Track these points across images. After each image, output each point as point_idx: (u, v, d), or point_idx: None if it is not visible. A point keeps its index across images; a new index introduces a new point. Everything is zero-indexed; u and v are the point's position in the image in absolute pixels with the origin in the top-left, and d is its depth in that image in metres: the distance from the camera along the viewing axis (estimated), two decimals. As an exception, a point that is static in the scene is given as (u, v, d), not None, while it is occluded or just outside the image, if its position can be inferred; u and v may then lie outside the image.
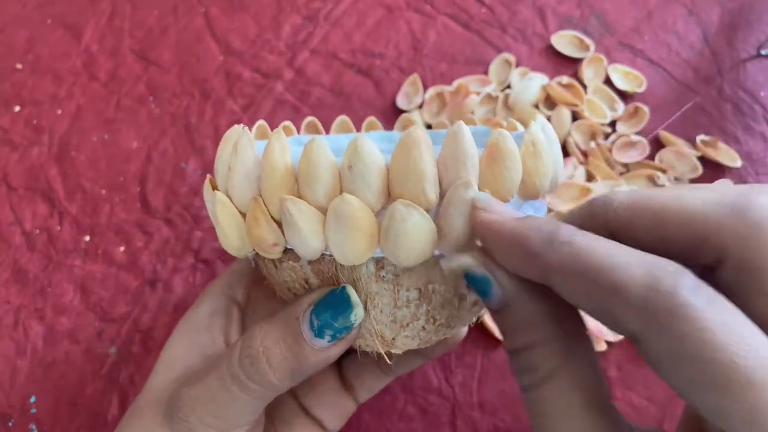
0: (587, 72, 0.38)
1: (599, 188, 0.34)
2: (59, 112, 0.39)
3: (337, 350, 0.20)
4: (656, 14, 0.41)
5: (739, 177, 0.35)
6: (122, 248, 0.34)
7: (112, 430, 0.23)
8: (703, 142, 0.35)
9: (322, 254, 0.19)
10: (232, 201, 0.19)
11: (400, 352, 0.21)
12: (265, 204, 0.18)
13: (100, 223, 0.35)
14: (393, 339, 0.20)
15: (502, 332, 0.18)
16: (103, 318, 0.32)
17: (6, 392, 0.31)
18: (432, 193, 0.17)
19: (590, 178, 0.35)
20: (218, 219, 0.19)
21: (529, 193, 0.19)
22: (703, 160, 0.35)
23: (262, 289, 0.26)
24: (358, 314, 0.19)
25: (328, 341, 0.19)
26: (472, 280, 0.18)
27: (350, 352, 0.28)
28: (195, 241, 0.34)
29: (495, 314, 0.18)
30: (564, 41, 0.40)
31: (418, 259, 0.18)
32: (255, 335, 0.20)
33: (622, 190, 0.18)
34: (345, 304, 0.19)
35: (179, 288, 0.33)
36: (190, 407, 0.21)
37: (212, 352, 0.24)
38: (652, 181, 0.34)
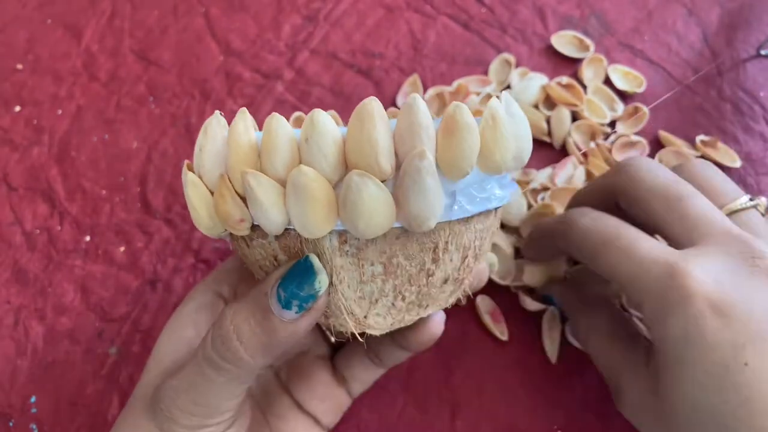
0: (587, 72, 0.38)
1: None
2: (59, 112, 0.39)
3: (306, 322, 0.20)
4: (656, 14, 0.41)
5: (738, 177, 0.35)
6: (122, 248, 0.34)
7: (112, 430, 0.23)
8: (702, 142, 0.35)
9: (287, 229, 0.19)
10: (203, 181, 0.20)
11: (375, 333, 0.21)
12: (230, 180, 0.19)
13: (101, 223, 0.35)
14: (365, 317, 0.20)
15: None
16: (104, 318, 0.32)
17: (6, 392, 0.31)
18: (386, 164, 0.17)
19: (590, 178, 0.35)
20: (190, 199, 0.20)
21: (489, 167, 0.19)
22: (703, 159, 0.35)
23: (248, 285, 0.26)
24: (321, 281, 0.19)
25: (296, 311, 0.19)
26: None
27: (341, 344, 0.28)
28: (195, 241, 0.34)
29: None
30: (564, 41, 0.40)
31: (378, 230, 0.18)
32: (226, 315, 0.20)
33: (589, 215, 0.24)
34: (309, 272, 0.19)
35: (179, 288, 0.33)
36: (171, 398, 0.21)
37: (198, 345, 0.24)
38: None
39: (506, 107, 0.19)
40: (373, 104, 0.17)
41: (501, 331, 0.31)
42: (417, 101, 0.17)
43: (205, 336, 0.21)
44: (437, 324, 0.25)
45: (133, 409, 0.23)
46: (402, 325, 0.21)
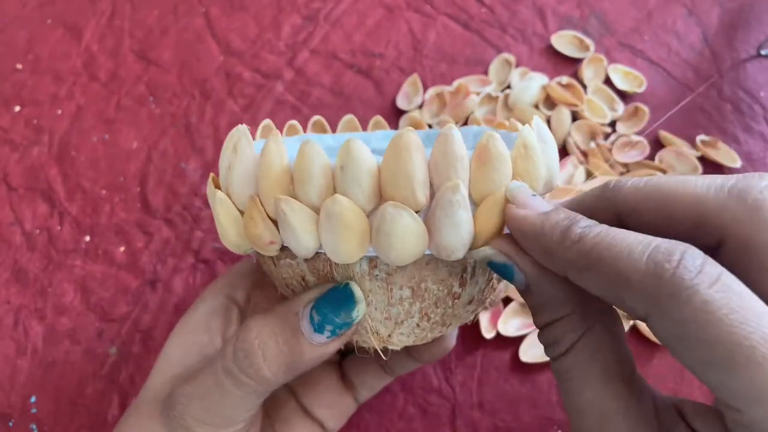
0: (587, 72, 0.38)
1: (586, 186, 0.34)
2: (59, 112, 0.39)
3: (335, 346, 0.20)
4: (656, 14, 0.41)
5: (738, 177, 0.35)
6: (122, 248, 0.34)
7: (112, 430, 0.23)
8: (703, 142, 0.35)
9: (317, 252, 0.19)
10: (231, 199, 0.20)
11: (397, 348, 0.21)
12: (261, 203, 0.19)
13: (101, 223, 0.35)
14: (389, 336, 0.21)
15: (530, 309, 0.19)
16: (104, 318, 0.32)
17: (6, 392, 0.31)
18: (421, 195, 0.18)
19: (590, 177, 0.35)
20: (218, 217, 0.20)
21: None
22: (703, 160, 0.35)
23: (263, 291, 0.26)
24: (360, 310, 0.19)
25: (328, 337, 0.19)
26: (494, 267, 0.19)
27: (351, 351, 0.28)
28: (195, 241, 0.34)
29: (522, 294, 0.19)
30: (564, 41, 0.40)
31: (409, 258, 0.18)
32: (251, 328, 0.20)
33: (632, 178, 0.19)
34: (348, 300, 0.19)
35: (179, 288, 0.33)
36: (184, 404, 0.21)
37: (210, 352, 0.24)
38: None
39: (537, 133, 0.19)
40: (410, 136, 0.17)
41: (502, 329, 0.31)
42: (453, 132, 0.17)
43: (224, 346, 0.21)
44: (450, 338, 0.25)
45: (139, 411, 0.23)
46: (423, 342, 0.21)
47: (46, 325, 0.32)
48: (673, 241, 0.15)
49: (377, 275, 0.19)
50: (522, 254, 0.18)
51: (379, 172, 0.18)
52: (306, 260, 0.20)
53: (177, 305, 0.33)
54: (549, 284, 0.18)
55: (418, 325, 0.20)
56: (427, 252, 0.18)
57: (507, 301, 0.32)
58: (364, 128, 0.36)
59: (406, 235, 0.18)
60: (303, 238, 0.18)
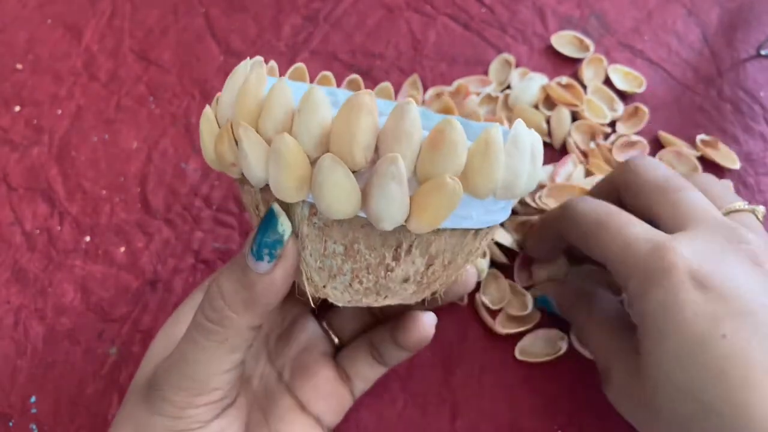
0: (587, 72, 0.38)
1: (586, 184, 0.34)
2: (59, 112, 0.39)
3: (279, 272, 0.20)
4: (656, 14, 0.41)
5: (738, 177, 0.35)
6: (122, 249, 0.34)
7: (112, 430, 0.23)
8: (703, 142, 0.35)
9: (267, 184, 0.20)
10: (216, 118, 0.21)
11: (338, 304, 0.22)
12: (232, 126, 0.20)
13: (101, 224, 0.35)
14: (324, 287, 0.21)
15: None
16: (104, 318, 0.32)
17: (6, 392, 0.31)
18: (360, 156, 0.18)
19: (589, 176, 0.35)
20: (201, 131, 0.21)
21: (470, 189, 0.19)
22: (702, 160, 0.35)
23: None
24: (283, 223, 0.20)
25: (268, 261, 0.20)
26: (542, 302, 0.30)
27: (344, 343, 0.28)
28: (195, 241, 0.34)
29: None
30: (564, 41, 0.40)
31: (340, 214, 0.19)
32: (214, 279, 0.21)
33: (586, 200, 0.25)
34: (272, 218, 0.20)
35: (179, 289, 0.33)
36: (164, 377, 0.22)
37: None
38: None
39: (513, 138, 0.19)
40: (364, 98, 0.18)
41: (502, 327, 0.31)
42: (409, 107, 0.18)
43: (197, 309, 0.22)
44: (427, 326, 0.26)
45: (128, 402, 0.23)
46: (361, 305, 0.22)
47: (46, 325, 0.32)
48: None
49: (315, 223, 0.20)
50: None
51: (332, 126, 0.19)
52: (260, 190, 0.21)
53: (177, 305, 0.33)
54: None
55: (350, 285, 0.21)
56: (363, 215, 0.19)
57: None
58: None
59: (337, 190, 0.18)
60: (254, 166, 0.19)
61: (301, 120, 0.18)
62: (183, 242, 0.34)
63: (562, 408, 0.29)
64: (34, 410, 0.30)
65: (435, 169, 0.18)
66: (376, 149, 0.19)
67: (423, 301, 0.23)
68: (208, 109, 0.21)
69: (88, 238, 0.35)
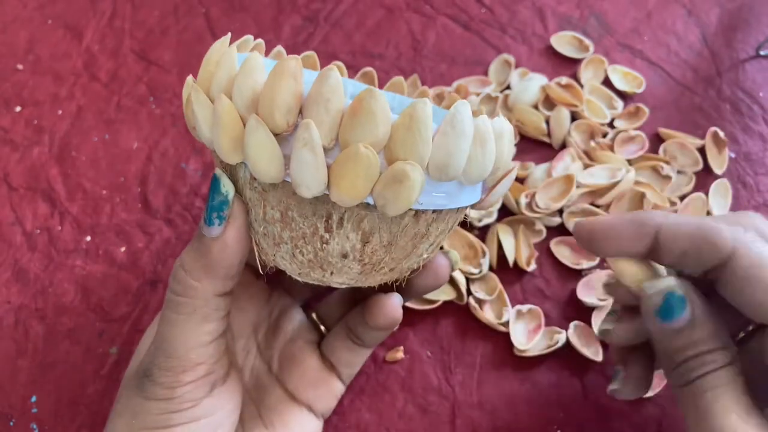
0: (586, 72, 0.39)
1: (584, 176, 0.34)
2: (60, 112, 0.39)
3: (230, 233, 0.21)
4: (655, 15, 0.41)
5: (738, 177, 0.35)
6: (123, 248, 0.34)
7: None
8: (714, 135, 0.35)
9: None
10: (197, 83, 0.22)
11: (292, 275, 0.22)
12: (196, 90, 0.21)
13: (101, 224, 0.35)
14: (273, 256, 0.22)
15: (676, 348, 0.21)
16: (104, 318, 0.32)
17: (7, 392, 0.31)
18: (281, 120, 0.18)
19: (588, 168, 0.35)
20: (183, 94, 0.22)
21: (392, 162, 0.19)
22: (702, 153, 0.35)
23: (240, 283, 0.26)
24: (225, 184, 0.21)
25: (218, 224, 0.21)
26: (671, 298, 0.21)
27: (325, 334, 0.29)
28: (195, 241, 0.34)
29: (672, 333, 0.21)
30: (563, 42, 0.40)
31: (267, 177, 0.19)
32: (178, 258, 0.22)
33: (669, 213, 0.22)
34: (215, 181, 0.21)
35: (180, 288, 0.33)
36: (150, 361, 0.22)
37: None
38: (657, 171, 0.34)
39: (452, 119, 0.19)
40: (289, 62, 0.18)
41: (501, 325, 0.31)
42: (330, 73, 0.18)
43: None
44: (391, 307, 0.26)
45: (122, 395, 0.24)
46: (311, 280, 0.22)
47: (46, 325, 0.32)
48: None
49: (255, 187, 0.21)
50: (694, 289, 0.21)
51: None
52: (213, 153, 0.21)
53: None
54: (712, 318, 0.21)
55: (293, 255, 0.21)
56: (288, 179, 0.19)
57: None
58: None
59: (261, 151, 0.18)
60: (202, 127, 0.20)
61: (237, 83, 0.19)
62: (183, 242, 0.34)
63: (561, 407, 0.29)
64: (34, 410, 0.30)
65: (353, 137, 0.18)
66: (301, 115, 0.19)
67: (391, 285, 0.23)
68: (189, 78, 0.22)
69: (88, 238, 0.35)
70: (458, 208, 0.22)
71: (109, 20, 0.42)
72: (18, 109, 0.39)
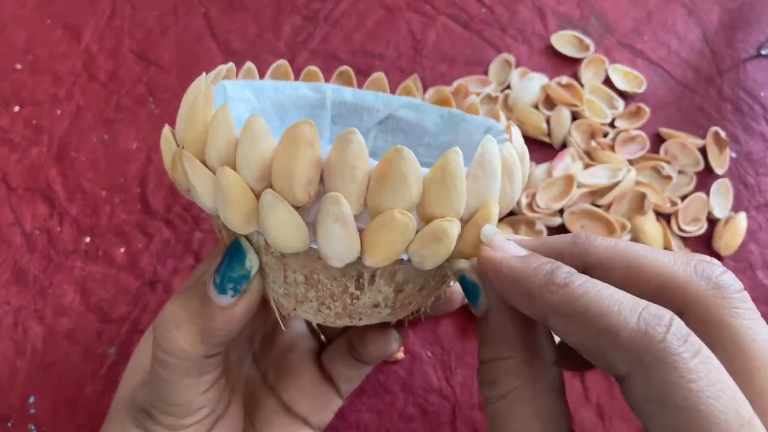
0: (587, 72, 0.38)
1: (585, 176, 0.34)
2: (59, 112, 0.39)
3: (242, 306, 0.20)
4: (656, 14, 0.41)
5: (739, 177, 0.35)
6: (122, 249, 0.34)
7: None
8: (715, 135, 0.35)
9: None
10: (175, 138, 0.21)
11: (314, 322, 0.21)
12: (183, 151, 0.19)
13: (101, 224, 0.35)
14: (294, 309, 0.21)
15: (480, 339, 0.19)
16: (103, 319, 0.32)
17: (5, 393, 0.31)
18: (301, 193, 0.17)
19: (589, 167, 0.35)
20: (162, 151, 0.21)
21: (429, 220, 0.18)
22: (703, 153, 0.35)
23: None
24: (251, 260, 0.19)
25: (232, 296, 0.19)
26: (464, 284, 0.19)
27: (327, 343, 0.28)
28: (195, 242, 0.34)
29: (478, 321, 0.19)
30: (564, 41, 0.40)
31: (289, 248, 0.18)
32: (165, 307, 0.20)
33: (600, 237, 0.19)
34: (239, 253, 0.19)
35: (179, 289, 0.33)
36: (148, 401, 0.21)
37: None
38: (658, 171, 0.34)
39: (480, 159, 0.18)
40: (303, 129, 0.17)
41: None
42: (352, 138, 0.16)
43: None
44: (389, 345, 0.25)
45: (111, 421, 0.23)
46: (337, 326, 0.21)
47: (45, 325, 0.32)
48: (661, 307, 0.15)
49: (273, 252, 0.19)
50: (496, 282, 0.18)
51: (272, 158, 0.18)
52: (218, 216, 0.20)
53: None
54: (506, 320, 0.18)
55: (319, 310, 0.20)
56: (314, 246, 0.18)
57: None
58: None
59: (282, 226, 0.17)
60: (202, 197, 0.18)
61: (242, 152, 0.17)
62: (183, 243, 0.34)
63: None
64: (33, 410, 0.30)
65: (385, 202, 0.17)
66: (323, 181, 0.17)
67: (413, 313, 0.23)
68: (166, 129, 0.20)
69: (88, 239, 0.35)
70: None
71: (108, 20, 0.42)
72: (17, 109, 0.39)
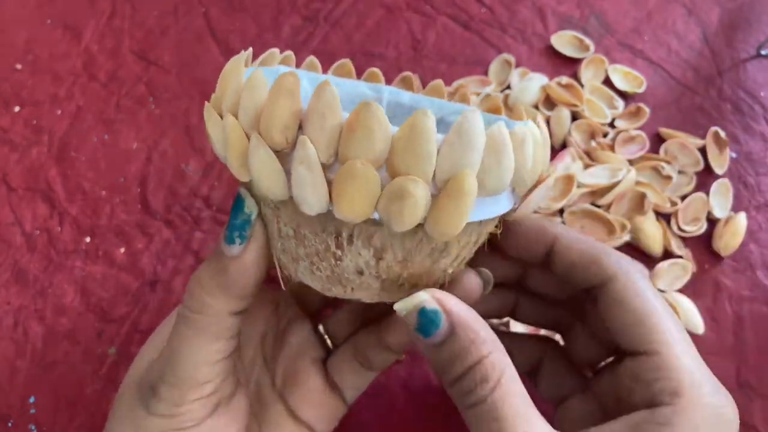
0: (587, 72, 0.38)
1: (585, 176, 0.34)
2: (59, 112, 0.39)
3: (250, 253, 0.21)
4: (656, 14, 0.41)
5: (739, 177, 0.35)
6: (122, 249, 0.34)
7: (112, 430, 0.23)
8: (715, 135, 0.35)
9: None
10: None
11: (314, 287, 0.22)
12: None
13: (101, 224, 0.35)
14: (295, 271, 0.22)
15: (444, 363, 0.20)
16: (103, 319, 0.32)
17: (5, 393, 0.31)
18: (278, 137, 0.18)
19: (589, 167, 0.35)
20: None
21: (395, 176, 0.18)
22: (703, 153, 0.35)
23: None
24: (249, 205, 0.21)
25: (239, 243, 0.21)
26: (424, 315, 0.20)
27: (333, 348, 0.28)
28: (195, 242, 0.34)
29: (437, 349, 0.20)
30: (564, 41, 0.40)
31: (272, 194, 0.19)
32: (195, 272, 0.22)
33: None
34: (239, 200, 0.21)
35: (179, 289, 0.33)
36: (157, 376, 0.22)
37: None
38: (658, 171, 0.34)
39: (459, 128, 0.17)
40: (285, 78, 0.18)
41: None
42: (327, 89, 0.17)
43: None
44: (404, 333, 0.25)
45: (122, 403, 0.23)
46: (335, 295, 0.22)
47: (45, 325, 0.32)
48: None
49: (269, 204, 0.20)
50: (449, 297, 0.20)
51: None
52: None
53: (177, 306, 0.33)
54: (475, 323, 0.19)
55: (312, 272, 0.21)
56: (293, 195, 0.19)
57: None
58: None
59: (263, 169, 0.18)
60: (216, 145, 0.20)
61: (242, 101, 0.19)
62: (183, 243, 0.34)
63: (562, 408, 0.29)
64: (33, 410, 0.30)
65: (351, 153, 0.18)
66: (301, 131, 0.18)
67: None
68: (213, 99, 0.22)
69: (88, 239, 0.35)
70: (481, 221, 0.20)
71: (108, 20, 0.42)
72: (17, 109, 0.39)
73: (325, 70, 0.27)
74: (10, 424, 0.30)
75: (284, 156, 0.18)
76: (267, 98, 0.18)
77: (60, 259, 0.34)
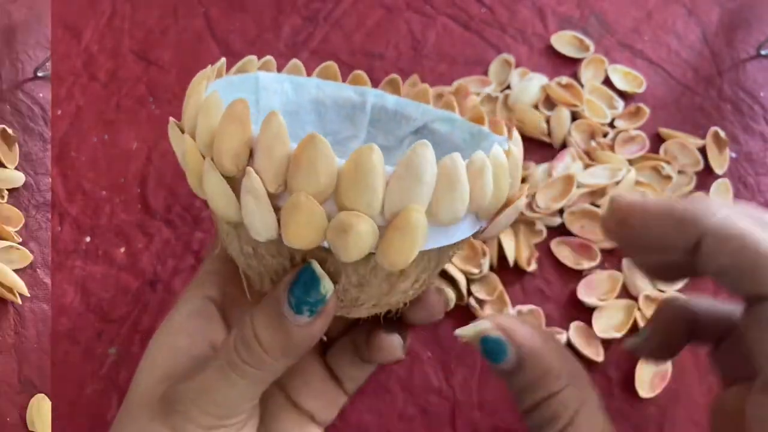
0: (587, 72, 0.38)
1: (585, 176, 0.34)
2: (59, 112, 0.39)
3: (319, 324, 0.20)
4: (656, 14, 0.41)
5: (739, 177, 0.35)
6: (123, 249, 0.34)
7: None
8: (714, 135, 0.35)
9: None
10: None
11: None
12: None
13: (101, 224, 0.35)
14: (261, 284, 0.22)
15: (517, 392, 0.19)
16: (103, 319, 0.32)
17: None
18: (229, 164, 0.18)
19: (588, 168, 0.35)
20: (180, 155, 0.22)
21: (342, 209, 0.18)
22: (703, 153, 0.35)
23: (235, 285, 0.26)
24: (326, 286, 0.20)
25: (308, 315, 0.20)
26: (486, 344, 0.19)
27: (332, 340, 0.28)
28: (195, 242, 0.34)
29: (508, 376, 0.19)
30: (564, 41, 0.40)
31: (227, 217, 0.19)
32: (246, 322, 0.21)
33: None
34: (313, 279, 0.20)
35: (179, 289, 0.33)
36: (191, 399, 0.21)
37: (195, 352, 0.24)
38: (657, 171, 0.34)
39: (407, 162, 0.17)
40: (235, 107, 0.18)
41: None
42: (273, 120, 0.17)
43: (225, 341, 0.21)
44: (393, 348, 0.25)
45: (131, 416, 0.23)
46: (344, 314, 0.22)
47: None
48: None
49: (228, 222, 0.21)
50: (519, 327, 0.18)
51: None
52: None
53: (177, 306, 0.33)
54: (548, 356, 0.18)
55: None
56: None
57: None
58: None
59: (215, 193, 0.19)
60: (181, 162, 0.21)
61: (198, 123, 0.19)
62: (183, 243, 0.34)
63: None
64: (33, 411, 0.30)
65: (297, 185, 0.18)
66: (252, 159, 0.18)
67: (384, 316, 0.23)
68: (186, 137, 0.22)
69: (88, 239, 0.35)
70: (440, 248, 0.20)
71: (108, 20, 0.42)
72: (17, 109, 0.39)
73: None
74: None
75: (237, 182, 0.19)
76: (218, 125, 0.18)
77: (60, 259, 0.34)
